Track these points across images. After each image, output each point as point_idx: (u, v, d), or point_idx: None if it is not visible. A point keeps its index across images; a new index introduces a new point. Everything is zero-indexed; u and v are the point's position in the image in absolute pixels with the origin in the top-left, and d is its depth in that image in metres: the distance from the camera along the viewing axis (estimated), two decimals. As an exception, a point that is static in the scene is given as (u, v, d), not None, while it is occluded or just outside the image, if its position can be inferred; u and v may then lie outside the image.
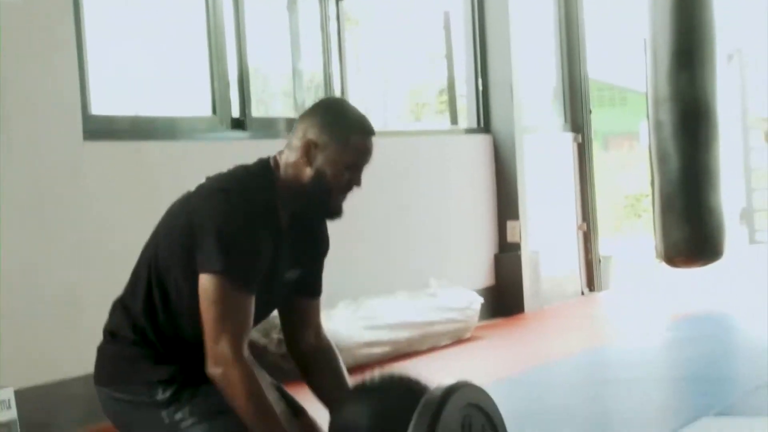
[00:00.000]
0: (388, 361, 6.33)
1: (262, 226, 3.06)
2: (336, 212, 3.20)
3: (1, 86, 4.91)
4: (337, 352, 3.29)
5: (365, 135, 3.15)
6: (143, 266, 3.21)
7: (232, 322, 3.01)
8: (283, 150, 3.17)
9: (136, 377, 3.14)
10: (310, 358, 3.26)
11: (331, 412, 3.06)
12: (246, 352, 3.03)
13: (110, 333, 3.23)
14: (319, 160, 3.12)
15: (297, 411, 3.28)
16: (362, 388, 3.02)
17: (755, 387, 5.05)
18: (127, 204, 5.37)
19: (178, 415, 3.08)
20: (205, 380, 3.10)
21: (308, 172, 3.13)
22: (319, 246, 3.30)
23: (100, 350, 3.25)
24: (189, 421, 3.07)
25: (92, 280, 5.13)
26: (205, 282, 3.02)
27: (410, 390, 2.84)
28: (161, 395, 3.09)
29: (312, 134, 3.12)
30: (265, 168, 3.17)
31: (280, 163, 3.16)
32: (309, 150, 3.12)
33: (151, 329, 3.16)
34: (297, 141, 3.15)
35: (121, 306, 3.23)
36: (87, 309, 5.10)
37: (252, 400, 3.00)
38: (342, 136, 3.12)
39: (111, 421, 3.25)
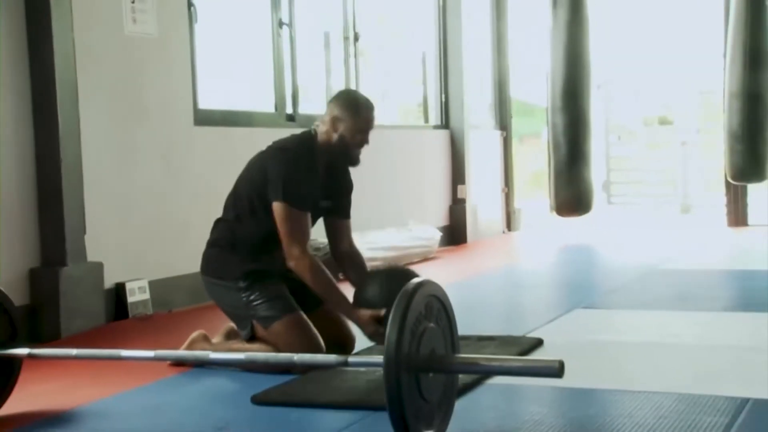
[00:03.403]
0: (381, 269, 6.34)
1: (308, 171, 3.04)
2: (354, 162, 3.16)
3: (144, 90, 4.89)
4: (362, 255, 3.26)
5: (369, 110, 3.12)
6: (235, 196, 3.19)
7: (297, 231, 2.96)
8: (318, 123, 3.15)
9: (229, 271, 3.13)
10: (345, 258, 3.23)
11: (356, 290, 3.05)
12: (309, 249, 3.00)
13: (213, 241, 3.21)
14: (341, 127, 3.09)
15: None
16: (375, 273, 3.01)
17: (609, 290, 5.08)
18: (221, 167, 5.36)
19: (252, 297, 3.08)
20: (270, 276, 3.07)
21: (334, 136, 3.10)
22: (345, 185, 3.27)
23: (206, 253, 3.23)
24: (258, 301, 3.08)
25: (198, 211, 5.13)
26: (277, 207, 3.00)
27: (405, 274, 2.84)
28: (242, 284, 3.10)
29: (336, 111, 3.10)
30: (308, 135, 3.15)
31: (318, 132, 3.14)
32: (334, 122, 3.10)
33: (239, 239, 3.15)
34: (326, 117, 3.13)
35: (220, 224, 3.21)
36: (194, 228, 5.08)
37: (318, 277, 2.95)
38: (355, 111, 3.09)
39: (210, 297, 3.24)
